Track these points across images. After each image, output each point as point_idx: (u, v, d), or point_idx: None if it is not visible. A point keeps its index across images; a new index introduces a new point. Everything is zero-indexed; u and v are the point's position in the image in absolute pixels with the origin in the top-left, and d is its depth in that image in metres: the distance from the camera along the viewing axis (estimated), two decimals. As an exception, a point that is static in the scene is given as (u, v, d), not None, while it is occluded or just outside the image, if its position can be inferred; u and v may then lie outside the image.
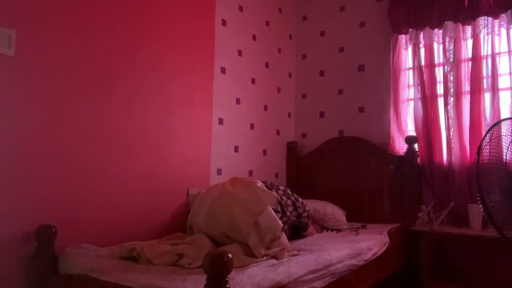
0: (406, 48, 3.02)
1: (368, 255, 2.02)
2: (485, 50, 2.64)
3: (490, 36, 2.62)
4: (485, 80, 2.63)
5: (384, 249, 2.19)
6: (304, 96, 3.52)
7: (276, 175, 3.30)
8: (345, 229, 2.59)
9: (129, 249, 1.65)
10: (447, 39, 2.79)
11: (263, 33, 3.20)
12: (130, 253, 1.63)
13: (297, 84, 3.56)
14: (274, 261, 1.61)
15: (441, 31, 2.82)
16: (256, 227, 1.71)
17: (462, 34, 2.74)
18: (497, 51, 2.61)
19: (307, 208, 2.30)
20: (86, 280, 1.45)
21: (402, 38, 3.03)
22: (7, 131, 1.63)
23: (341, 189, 3.10)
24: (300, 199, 2.28)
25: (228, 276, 1.14)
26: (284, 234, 1.89)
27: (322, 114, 3.39)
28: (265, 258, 1.63)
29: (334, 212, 2.66)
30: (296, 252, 1.80)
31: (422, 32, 2.90)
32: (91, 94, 1.94)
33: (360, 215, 2.92)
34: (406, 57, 3.03)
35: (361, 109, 3.19)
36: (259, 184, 1.97)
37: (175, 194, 2.34)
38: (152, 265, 1.55)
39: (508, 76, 2.57)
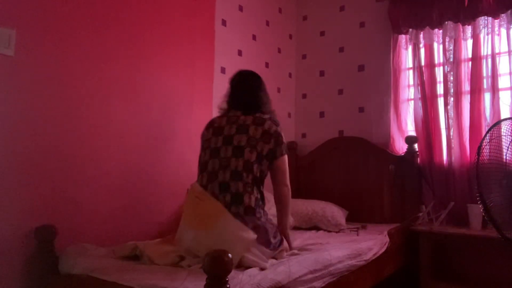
0: (406, 48, 3.02)
1: (368, 255, 2.01)
2: (485, 50, 2.64)
3: (490, 36, 2.62)
4: (485, 80, 2.63)
5: (384, 249, 2.19)
6: (304, 96, 3.52)
7: (276, 175, 3.29)
8: (345, 229, 2.59)
9: (132, 248, 1.65)
10: (447, 39, 2.79)
11: (263, 33, 3.20)
12: (133, 251, 1.64)
13: (297, 84, 3.56)
14: (274, 261, 1.61)
15: (441, 31, 2.82)
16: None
17: (462, 34, 2.74)
18: (497, 51, 2.61)
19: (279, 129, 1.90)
20: (86, 280, 1.45)
21: (402, 38, 3.03)
22: (6, 131, 1.63)
23: (341, 189, 3.09)
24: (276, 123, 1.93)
25: (228, 276, 1.14)
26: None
27: (322, 114, 3.39)
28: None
29: (333, 214, 2.66)
30: (296, 252, 1.80)
31: (422, 32, 2.90)
32: (91, 94, 1.94)
33: (360, 215, 2.92)
34: (406, 57, 3.03)
35: (361, 109, 3.19)
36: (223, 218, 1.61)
37: (175, 194, 2.34)
38: (153, 264, 1.54)
39: (508, 76, 2.57)
